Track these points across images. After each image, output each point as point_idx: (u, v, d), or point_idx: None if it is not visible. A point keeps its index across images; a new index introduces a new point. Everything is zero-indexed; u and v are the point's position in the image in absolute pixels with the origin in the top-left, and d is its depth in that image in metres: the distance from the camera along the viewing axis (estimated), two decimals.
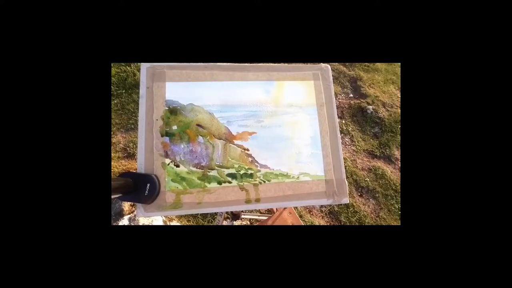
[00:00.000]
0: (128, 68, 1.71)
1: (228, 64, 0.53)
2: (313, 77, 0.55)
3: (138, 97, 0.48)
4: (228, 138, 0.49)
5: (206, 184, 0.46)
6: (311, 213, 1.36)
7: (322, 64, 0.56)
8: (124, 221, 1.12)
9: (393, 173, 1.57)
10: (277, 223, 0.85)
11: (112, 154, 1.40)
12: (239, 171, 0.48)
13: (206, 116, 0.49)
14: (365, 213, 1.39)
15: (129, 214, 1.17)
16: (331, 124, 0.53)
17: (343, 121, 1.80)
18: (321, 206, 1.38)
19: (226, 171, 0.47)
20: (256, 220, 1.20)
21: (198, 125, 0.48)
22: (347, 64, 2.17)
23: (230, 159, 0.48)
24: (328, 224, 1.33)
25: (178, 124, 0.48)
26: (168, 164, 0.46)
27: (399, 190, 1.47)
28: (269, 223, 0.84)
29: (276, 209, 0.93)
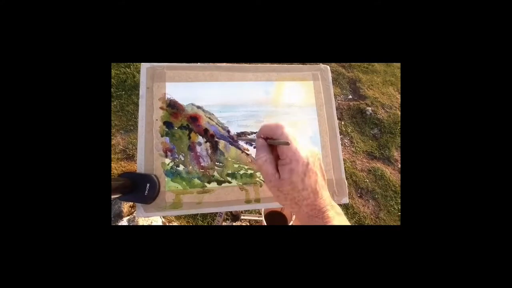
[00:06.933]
0: (128, 70, 1.72)
1: (228, 64, 0.53)
2: (312, 78, 0.56)
3: (138, 98, 0.48)
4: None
5: (206, 184, 0.46)
6: None
7: (322, 65, 0.57)
8: (124, 223, 1.11)
9: (392, 174, 1.57)
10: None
11: (112, 156, 1.40)
12: (239, 171, 0.48)
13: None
14: (364, 214, 1.39)
15: (128, 215, 1.16)
16: (331, 124, 0.53)
17: (342, 123, 1.81)
18: None
19: (226, 171, 0.47)
20: (256, 222, 1.20)
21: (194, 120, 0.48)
22: (346, 65, 2.18)
23: (230, 159, 0.48)
24: None
25: (177, 124, 0.48)
26: (168, 164, 0.46)
27: (399, 191, 1.47)
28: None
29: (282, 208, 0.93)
